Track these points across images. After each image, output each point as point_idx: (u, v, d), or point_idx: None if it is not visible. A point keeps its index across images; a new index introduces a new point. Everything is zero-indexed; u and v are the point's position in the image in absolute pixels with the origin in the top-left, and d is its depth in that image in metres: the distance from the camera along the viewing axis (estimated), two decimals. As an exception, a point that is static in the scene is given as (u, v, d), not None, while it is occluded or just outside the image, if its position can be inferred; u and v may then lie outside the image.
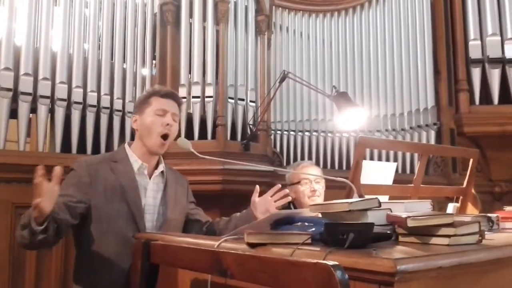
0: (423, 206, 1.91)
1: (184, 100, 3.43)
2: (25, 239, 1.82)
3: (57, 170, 1.73)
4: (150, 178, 2.19)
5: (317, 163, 4.52)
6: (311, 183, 2.97)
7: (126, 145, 2.25)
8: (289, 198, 2.28)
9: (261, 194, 2.25)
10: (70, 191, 2.01)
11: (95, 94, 3.32)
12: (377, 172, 2.39)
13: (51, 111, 3.16)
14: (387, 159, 4.73)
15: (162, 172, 2.24)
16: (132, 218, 2.06)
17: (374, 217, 1.50)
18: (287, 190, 2.26)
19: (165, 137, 2.15)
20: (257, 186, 2.27)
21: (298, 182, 3.00)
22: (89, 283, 2.05)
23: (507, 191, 4.97)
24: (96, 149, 3.25)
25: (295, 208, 2.95)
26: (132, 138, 3.38)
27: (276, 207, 2.23)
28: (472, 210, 2.41)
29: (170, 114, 2.17)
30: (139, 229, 2.06)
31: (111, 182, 2.08)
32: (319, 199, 2.94)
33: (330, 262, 1.11)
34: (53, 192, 1.73)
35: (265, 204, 2.20)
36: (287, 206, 3.06)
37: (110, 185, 2.07)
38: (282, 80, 3.50)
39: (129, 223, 2.06)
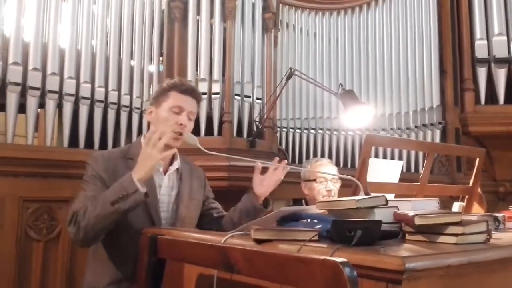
0: (430, 205, 1.91)
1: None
2: (108, 212, 1.82)
3: None
4: (165, 175, 2.17)
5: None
6: (327, 182, 2.92)
7: (142, 139, 2.17)
8: (288, 168, 2.29)
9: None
10: (92, 188, 2.00)
11: (103, 89, 3.32)
12: (384, 170, 2.40)
13: (59, 106, 3.16)
14: (392, 158, 4.73)
15: (177, 169, 2.21)
16: (148, 214, 2.05)
17: (381, 215, 1.50)
18: (285, 161, 2.30)
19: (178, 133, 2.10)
20: (259, 164, 2.26)
21: (314, 180, 2.95)
22: (102, 273, 2.03)
23: (511, 191, 4.97)
24: (103, 144, 3.26)
25: (307, 205, 2.91)
26: (140, 133, 3.42)
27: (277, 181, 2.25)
28: (477, 210, 2.41)
29: (186, 112, 2.11)
30: (154, 225, 2.05)
31: None
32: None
33: (339, 259, 1.11)
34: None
35: (267, 179, 2.23)
36: (299, 203, 3.05)
37: None
38: (289, 77, 3.51)
39: (145, 219, 2.04)
